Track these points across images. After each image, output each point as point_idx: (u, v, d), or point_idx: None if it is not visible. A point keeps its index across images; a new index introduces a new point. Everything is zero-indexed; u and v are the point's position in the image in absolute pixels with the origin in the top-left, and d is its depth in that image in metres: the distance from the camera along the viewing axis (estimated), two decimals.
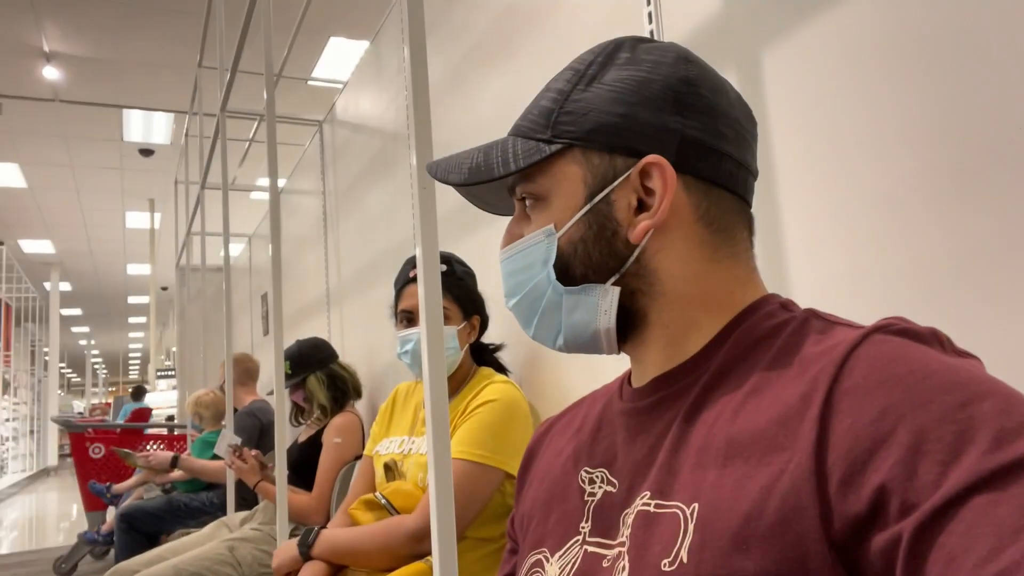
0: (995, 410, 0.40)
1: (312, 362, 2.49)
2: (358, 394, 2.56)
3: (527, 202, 0.64)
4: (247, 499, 3.02)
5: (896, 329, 0.48)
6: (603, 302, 0.60)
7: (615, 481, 0.59)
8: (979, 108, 0.78)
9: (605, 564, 0.54)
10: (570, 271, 0.60)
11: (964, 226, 0.79)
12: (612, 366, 1.26)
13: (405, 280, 1.61)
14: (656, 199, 0.58)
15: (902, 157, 0.86)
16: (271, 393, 2.40)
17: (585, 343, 0.62)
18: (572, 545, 0.59)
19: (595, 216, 0.60)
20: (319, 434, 2.40)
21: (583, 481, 0.62)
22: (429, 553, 1.33)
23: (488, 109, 1.88)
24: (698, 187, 0.59)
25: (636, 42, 0.62)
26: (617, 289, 0.60)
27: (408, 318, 1.59)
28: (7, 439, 11.75)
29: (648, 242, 0.59)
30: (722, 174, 0.59)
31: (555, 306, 0.62)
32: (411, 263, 1.63)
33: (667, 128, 0.58)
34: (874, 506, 0.41)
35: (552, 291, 0.61)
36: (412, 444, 1.56)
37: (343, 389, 2.50)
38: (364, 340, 2.91)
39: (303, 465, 2.35)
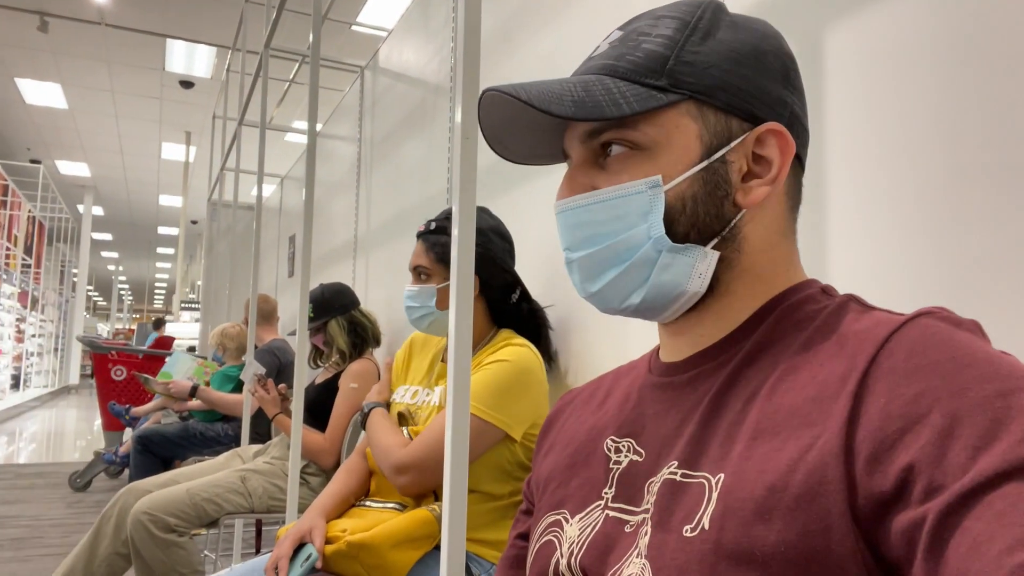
0: None
1: (334, 307, 2.52)
2: (377, 342, 2.59)
3: (612, 150, 0.59)
4: (260, 433, 3.09)
5: (939, 316, 0.48)
6: (700, 265, 0.58)
7: (641, 451, 0.59)
8: None
9: (628, 529, 0.55)
10: (673, 227, 0.57)
11: (1020, 223, 0.77)
12: (637, 341, 1.26)
13: (417, 236, 1.64)
14: (774, 167, 0.59)
15: (962, 149, 0.83)
16: (293, 333, 2.44)
17: (658, 306, 0.59)
18: (593, 509, 0.59)
19: (710, 174, 0.58)
20: (336, 378, 2.44)
21: (608, 449, 0.62)
22: (406, 486, 1.39)
23: (535, 69, 1.86)
24: (792, 161, 0.61)
25: (724, 8, 0.62)
26: (717, 254, 0.58)
27: (415, 273, 1.63)
28: (32, 354, 12.06)
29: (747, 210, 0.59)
30: (806, 151, 0.63)
31: (647, 262, 0.58)
32: (432, 219, 1.66)
33: (782, 100, 0.60)
34: (900, 485, 0.40)
35: (651, 246, 0.57)
36: (427, 396, 1.58)
37: (363, 336, 2.53)
38: (387, 290, 2.93)
39: (318, 406, 2.39)
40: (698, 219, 0.57)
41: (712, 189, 0.58)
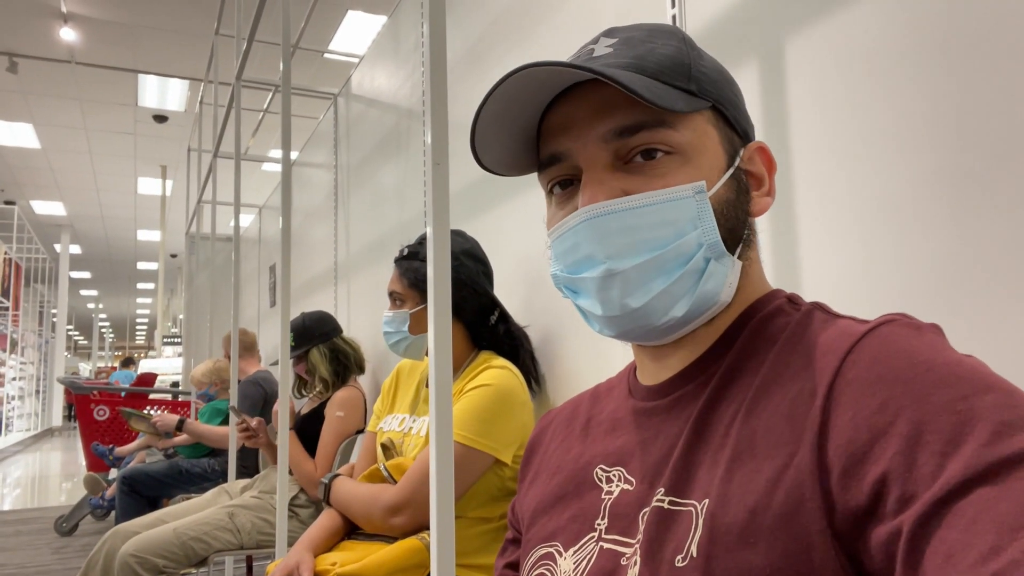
0: (996, 404, 0.39)
1: (315, 335, 2.50)
2: (360, 369, 2.57)
3: (655, 153, 0.55)
4: (248, 467, 3.05)
5: (900, 324, 0.48)
6: (731, 275, 0.56)
7: (632, 479, 0.58)
8: (996, 110, 0.76)
9: (623, 562, 0.54)
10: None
11: (978, 226, 0.78)
12: (622, 359, 1.26)
13: (394, 262, 1.67)
14: (765, 181, 0.61)
15: (920, 154, 0.84)
16: (275, 363, 2.41)
17: (693, 318, 0.56)
18: (587, 542, 0.58)
19: (737, 182, 0.58)
20: (321, 407, 2.41)
21: (599, 479, 0.61)
22: (404, 526, 1.36)
23: None
24: None
25: None
26: (740, 263, 0.58)
27: (391, 298, 1.66)
28: (13, 398, 11.87)
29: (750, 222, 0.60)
30: None
31: (697, 271, 0.54)
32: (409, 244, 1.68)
33: (751, 122, 0.63)
34: (874, 498, 0.40)
35: (703, 254, 0.54)
36: (413, 423, 1.57)
37: (345, 363, 2.51)
38: (370, 315, 2.92)
39: (304, 437, 2.37)
40: (730, 227, 0.56)
41: (738, 196, 0.58)
